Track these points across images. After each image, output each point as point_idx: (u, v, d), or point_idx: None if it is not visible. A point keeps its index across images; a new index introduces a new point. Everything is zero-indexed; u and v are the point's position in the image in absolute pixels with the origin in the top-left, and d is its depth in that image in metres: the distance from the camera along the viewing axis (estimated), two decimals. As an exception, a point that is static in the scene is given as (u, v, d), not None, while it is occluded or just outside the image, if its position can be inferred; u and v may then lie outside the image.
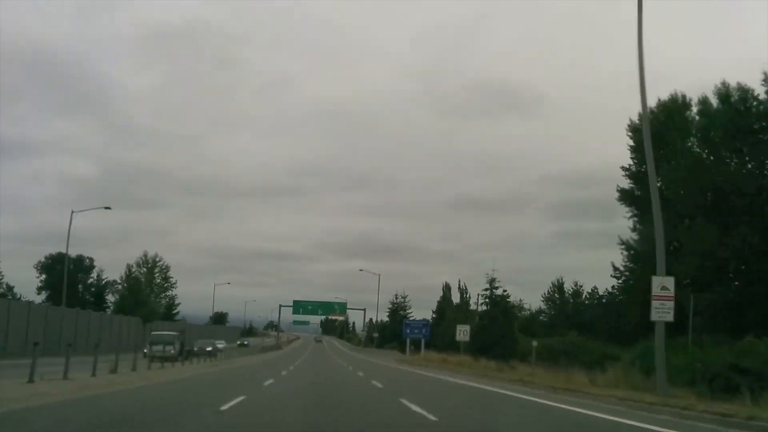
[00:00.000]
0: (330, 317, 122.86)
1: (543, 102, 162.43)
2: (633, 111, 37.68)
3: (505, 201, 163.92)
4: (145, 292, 75.06)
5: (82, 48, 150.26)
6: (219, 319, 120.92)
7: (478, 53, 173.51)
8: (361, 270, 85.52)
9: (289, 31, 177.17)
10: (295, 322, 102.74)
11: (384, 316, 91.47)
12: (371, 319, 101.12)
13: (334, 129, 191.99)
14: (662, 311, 16.39)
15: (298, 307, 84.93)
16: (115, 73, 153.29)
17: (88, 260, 73.43)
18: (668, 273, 17.31)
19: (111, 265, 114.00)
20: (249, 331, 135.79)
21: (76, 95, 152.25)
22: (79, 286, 71.49)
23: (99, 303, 69.75)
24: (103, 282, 74.93)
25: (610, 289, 45.92)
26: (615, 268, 40.57)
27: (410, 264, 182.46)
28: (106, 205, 49.50)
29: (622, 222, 39.66)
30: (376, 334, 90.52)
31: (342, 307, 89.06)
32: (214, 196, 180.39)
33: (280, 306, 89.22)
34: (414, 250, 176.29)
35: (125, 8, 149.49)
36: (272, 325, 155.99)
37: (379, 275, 78.70)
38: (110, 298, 74.78)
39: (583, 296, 56.75)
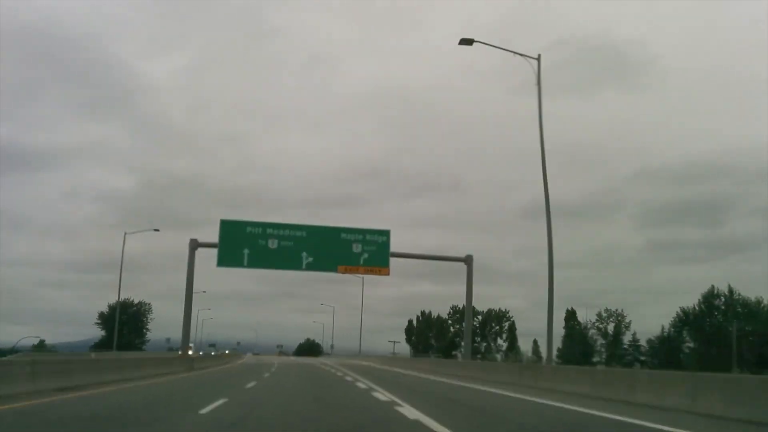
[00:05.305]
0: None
1: (654, 66, 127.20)
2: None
3: (589, 205, 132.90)
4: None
5: (95, 24, 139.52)
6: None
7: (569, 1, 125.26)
8: (322, 304, 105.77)
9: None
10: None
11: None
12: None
13: (391, 118, 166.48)
14: None
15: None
16: (134, 55, 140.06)
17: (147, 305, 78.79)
18: None
19: (168, 295, 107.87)
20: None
21: (97, 88, 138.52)
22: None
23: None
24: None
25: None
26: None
27: (480, 286, 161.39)
28: (151, 226, 48.40)
29: (733, 228, 31.21)
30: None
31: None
32: (262, 211, 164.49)
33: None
34: (484, 269, 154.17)
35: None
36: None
37: (334, 307, 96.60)
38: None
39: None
